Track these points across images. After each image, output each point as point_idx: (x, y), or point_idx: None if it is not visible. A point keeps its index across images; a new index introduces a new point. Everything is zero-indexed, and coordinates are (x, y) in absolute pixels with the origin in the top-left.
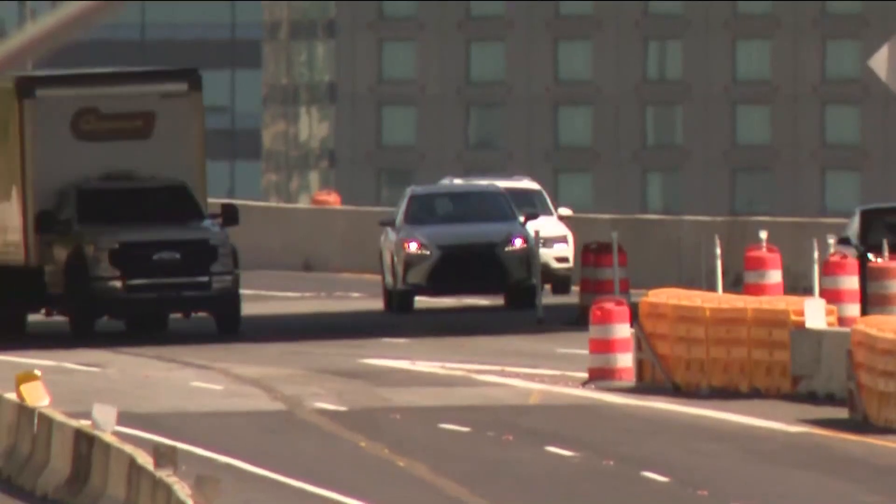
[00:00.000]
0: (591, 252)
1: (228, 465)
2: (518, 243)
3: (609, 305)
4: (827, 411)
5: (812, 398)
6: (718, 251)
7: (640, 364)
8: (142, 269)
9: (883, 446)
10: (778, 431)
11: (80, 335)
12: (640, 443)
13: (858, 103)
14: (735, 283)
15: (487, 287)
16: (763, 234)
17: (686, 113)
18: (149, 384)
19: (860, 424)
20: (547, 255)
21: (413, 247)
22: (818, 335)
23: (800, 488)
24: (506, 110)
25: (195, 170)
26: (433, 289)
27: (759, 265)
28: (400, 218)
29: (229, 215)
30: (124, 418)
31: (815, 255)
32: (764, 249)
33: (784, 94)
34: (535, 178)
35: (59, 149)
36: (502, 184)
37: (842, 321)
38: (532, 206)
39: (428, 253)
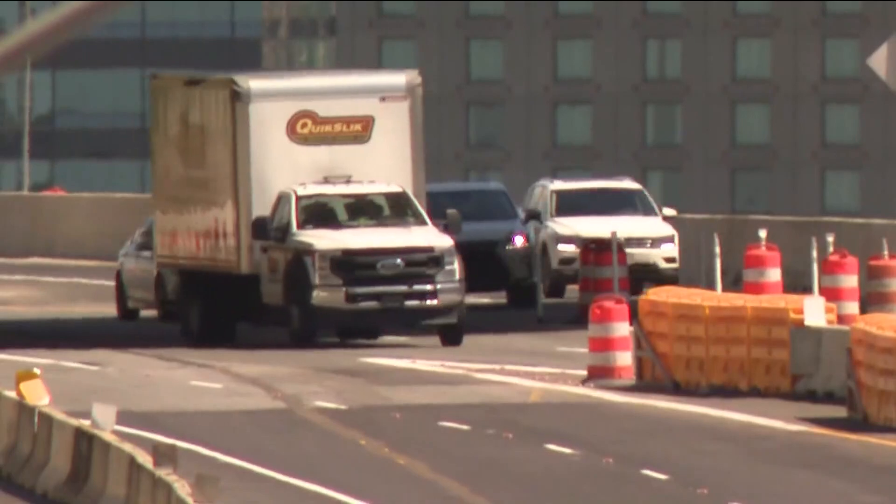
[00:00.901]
0: (591, 251)
1: (228, 464)
2: (519, 242)
3: (609, 304)
4: (826, 410)
5: (811, 397)
6: (718, 250)
7: (639, 362)
8: (365, 279)
9: (882, 445)
10: (777, 430)
11: (299, 344)
12: (640, 441)
13: (858, 102)
14: (735, 282)
15: (488, 285)
16: (762, 233)
17: (686, 112)
18: (149, 383)
19: (860, 423)
20: (655, 255)
21: None
22: (818, 334)
23: (799, 487)
24: (505, 109)
25: (413, 175)
26: None
27: (759, 264)
28: None
29: (452, 222)
30: (124, 417)
31: (815, 253)
32: (763, 248)
33: (784, 93)
34: (634, 178)
35: (275, 153)
36: (604, 184)
37: (841, 319)
38: (634, 206)
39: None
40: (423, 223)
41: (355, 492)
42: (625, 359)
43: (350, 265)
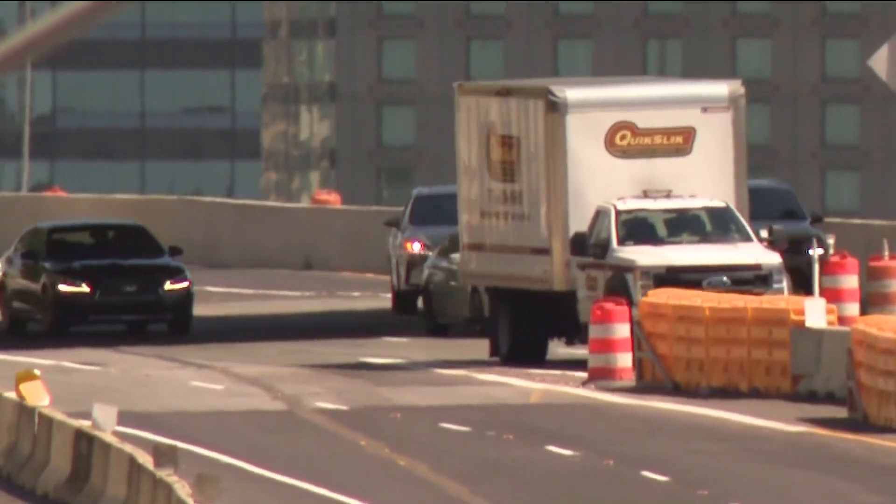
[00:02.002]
0: None
1: (229, 464)
2: None
3: (609, 305)
4: (827, 410)
5: (812, 397)
6: None
7: (640, 364)
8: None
9: (883, 446)
10: (778, 431)
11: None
12: (640, 442)
13: (858, 103)
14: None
15: None
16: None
17: None
18: (149, 383)
19: (860, 424)
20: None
21: (416, 247)
22: (818, 334)
23: (800, 488)
24: None
25: (735, 189)
26: None
27: None
28: (405, 219)
29: (778, 238)
30: (124, 417)
31: (815, 254)
32: None
33: (784, 93)
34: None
35: (592, 166)
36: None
37: (842, 320)
38: (787, 207)
39: (431, 253)
40: (748, 239)
41: (355, 492)
42: (625, 360)
43: (674, 282)
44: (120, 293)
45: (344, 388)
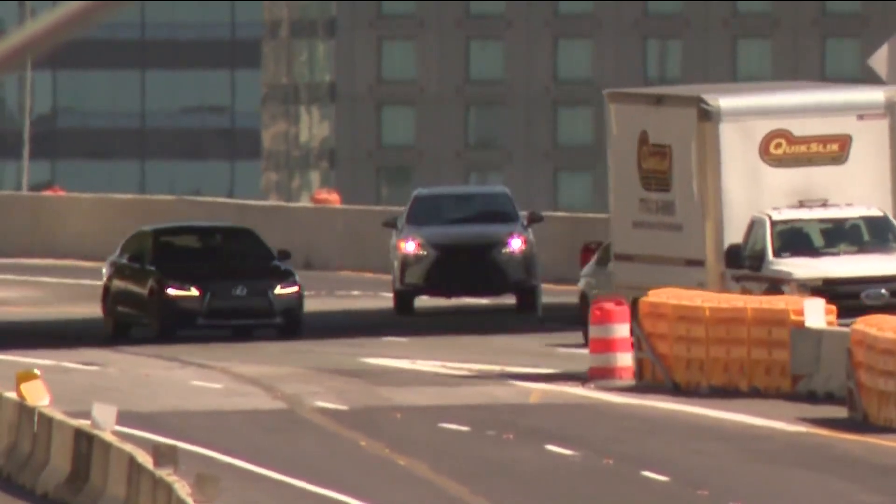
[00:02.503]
0: (592, 252)
1: (228, 464)
2: (516, 245)
3: (609, 305)
4: (827, 410)
5: (812, 397)
6: None
7: (640, 363)
8: (847, 309)
9: (883, 446)
10: (778, 431)
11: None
12: (640, 442)
13: None
14: None
15: (484, 288)
16: None
17: None
18: (149, 383)
19: (860, 424)
20: None
21: (411, 247)
22: (818, 334)
23: (800, 488)
24: (505, 109)
25: (893, 197)
26: (430, 289)
27: None
28: (403, 219)
29: None
30: (124, 417)
31: None
32: None
33: None
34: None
35: (746, 175)
36: None
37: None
38: None
39: (425, 253)
40: None
41: (355, 492)
42: (625, 360)
43: (831, 295)
44: (230, 297)
45: (344, 387)
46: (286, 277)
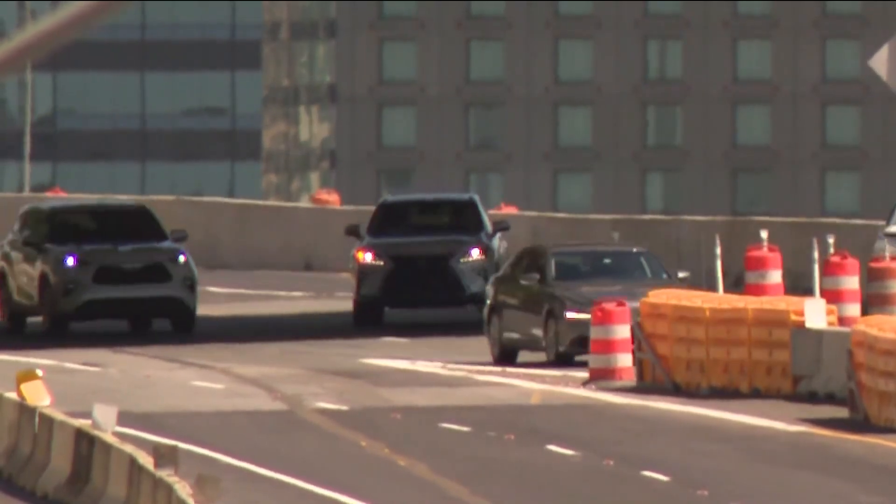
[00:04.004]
0: None
1: (229, 465)
2: (475, 254)
3: (609, 306)
4: (827, 411)
5: (812, 398)
6: (718, 251)
7: (640, 364)
8: None
9: (883, 446)
10: (778, 431)
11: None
12: (641, 443)
13: (858, 103)
14: (736, 284)
15: (441, 299)
16: (764, 234)
17: (686, 113)
18: (150, 384)
19: (860, 424)
20: None
21: (367, 258)
22: (818, 335)
23: (800, 488)
24: (505, 110)
25: None
26: (387, 300)
27: (760, 265)
28: (365, 227)
29: None
30: (125, 418)
31: (815, 255)
32: (765, 249)
33: (784, 94)
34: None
35: None
36: None
37: (842, 321)
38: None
39: (381, 264)
40: None
41: (356, 493)
42: (626, 360)
43: None
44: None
45: (344, 388)
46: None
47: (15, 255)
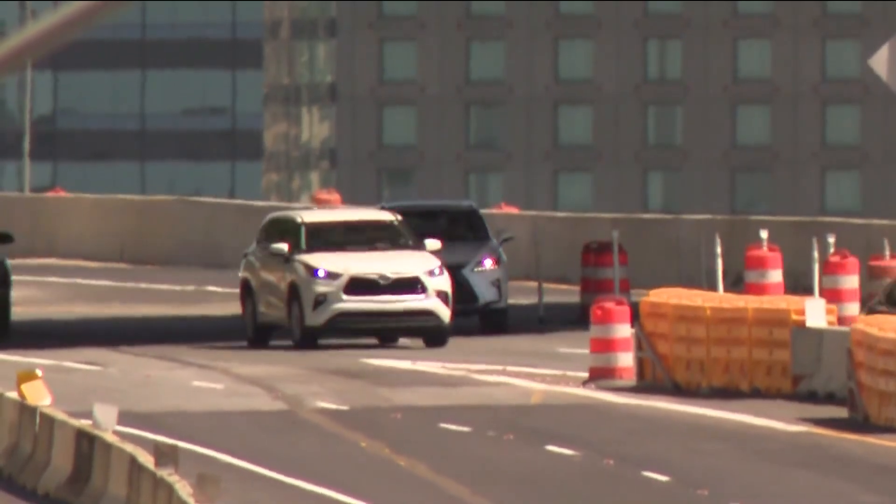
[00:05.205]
0: (592, 252)
1: (229, 464)
2: (488, 264)
3: (610, 305)
4: (827, 411)
5: (812, 397)
6: (719, 250)
7: (640, 363)
8: None
9: (883, 446)
10: (778, 431)
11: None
12: (641, 442)
13: (858, 103)
14: (736, 283)
15: (455, 309)
16: (764, 234)
17: (686, 113)
18: (150, 383)
19: (860, 424)
20: None
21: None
22: (818, 334)
23: (800, 488)
24: (506, 110)
25: None
26: None
27: (760, 265)
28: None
29: None
30: (125, 417)
31: (816, 254)
32: (765, 249)
33: (784, 94)
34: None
35: None
36: None
37: (842, 320)
38: None
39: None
40: None
41: (356, 492)
42: (626, 360)
43: None
44: None
45: (344, 388)
46: None
47: (259, 265)
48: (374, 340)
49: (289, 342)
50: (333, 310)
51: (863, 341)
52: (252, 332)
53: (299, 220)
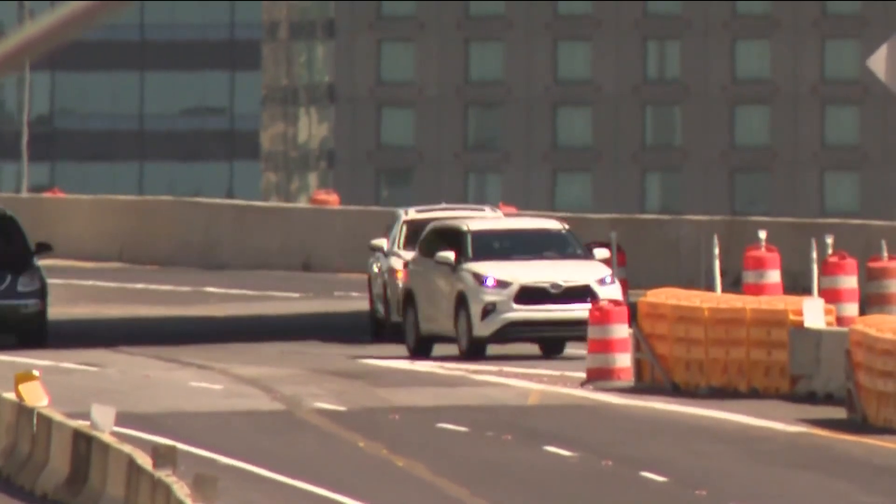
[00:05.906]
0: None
1: (228, 465)
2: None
3: (608, 306)
4: (826, 411)
5: (811, 398)
6: (717, 251)
7: (638, 364)
8: None
9: (882, 446)
10: (777, 431)
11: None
12: (639, 443)
13: (858, 103)
14: (734, 284)
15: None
16: (762, 234)
17: (685, 113)
18: (148, 384)
19: (859, 424)
20: None
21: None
22: (817, 335)
23: (799, 488)
24: (505, 110)
25: None
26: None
27: (759, 265)
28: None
29: None
30: (124, 418)
31: (814, 255)
32: (763, 249)
33: (783, 94)
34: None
35: None
36: None
37: (840, 321)
38: None
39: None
40: None
41: (354, 493)
42: (624, 361)
43: None
44: None
45: (342, 388)
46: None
47: (423, 274)
48: (370, 340)
49: (453, 351)
50: (503, 319)
51: (861, 342)
52: (414, 344)
53: (465, 228)
